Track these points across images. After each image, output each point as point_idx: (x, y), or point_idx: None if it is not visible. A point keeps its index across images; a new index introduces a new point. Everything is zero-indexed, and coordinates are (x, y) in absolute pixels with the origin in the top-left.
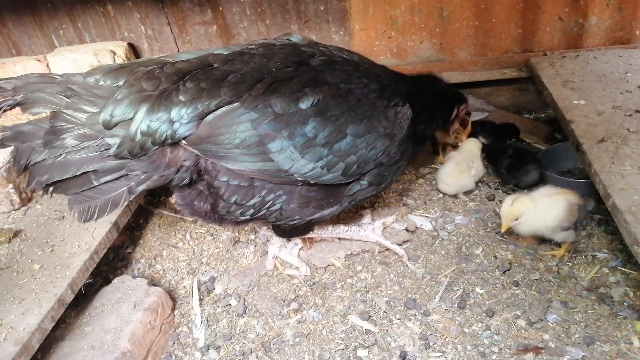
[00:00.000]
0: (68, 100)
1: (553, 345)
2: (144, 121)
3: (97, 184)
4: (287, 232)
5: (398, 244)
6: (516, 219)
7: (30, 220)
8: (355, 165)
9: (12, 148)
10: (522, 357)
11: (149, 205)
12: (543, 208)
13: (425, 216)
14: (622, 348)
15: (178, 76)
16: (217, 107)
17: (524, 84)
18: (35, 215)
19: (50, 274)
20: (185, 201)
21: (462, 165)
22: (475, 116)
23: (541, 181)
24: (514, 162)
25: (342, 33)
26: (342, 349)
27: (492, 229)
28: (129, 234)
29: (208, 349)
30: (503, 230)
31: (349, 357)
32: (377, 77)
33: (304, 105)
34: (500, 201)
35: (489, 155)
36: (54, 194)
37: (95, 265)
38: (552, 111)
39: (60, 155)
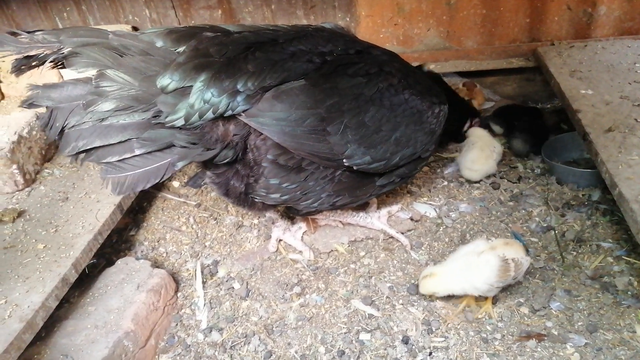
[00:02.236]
0: (120, 58)
1: (556, 333)
2: (208, 89)
3: (138, 153)
4: (303, 213)
5: (402, 233)
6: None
7: (34, 201)
8: (398, 157)
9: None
10: (525, 343)
11: (152, 188)
12: (470, 271)
13: (430, 204)
14: (624, 336)
15: (245, 45)
16: (283, 82)
17: (530, 74)
18: (39, 196)
19: (54, 253)
20: (220, 179)
21: (486, 150)
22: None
23: (528, 154)
24: (520, 126)
25: (347, 19)
26: (345, 333)
27: (497, 217)
28: (132, 217)
29: (211, 331)
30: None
31: (352, 340)
32: (423, 76)
33: (368, 91)
34: (505, 190)
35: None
36: (84, 162)
37: (99, 246)
38: (558, 102)
39: (104, 119)
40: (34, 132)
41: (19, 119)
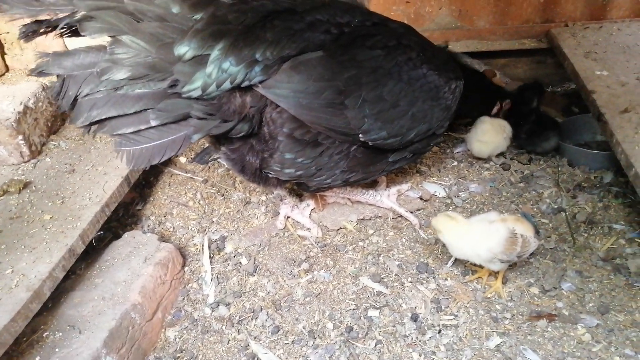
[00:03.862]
0: (137, 24)
1: (567, 313)
2: (226, 57)
3: (154, 125)
4: (313, 189)
5: (411, 212)
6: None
7: (40, 172)
8: (414, 133)
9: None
10: (535, 323)
11: (159, 162)
12: (476, 236)
13: (439, 183)
14: (636, 318)
15: (263, 13)
16: (301, 53)
17: (542, 56)
18: (45, 168)
19: (61, 224)
20: (235, 155)
21: (496, 126)
22: None
23: (558, 150)
24: (534, 127)
25: None
26: (353, 309)
27: (507, 198)
28: (138, 191)
29: (218, 306)
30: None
31: (360, 317)
32: (439, 50)
33: (387, 64)
34: (516, 171)
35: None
36: (97, 133)
37: (106, 218)
38: (569, 85)
39: (118, 88)
40: (40, 104)
41: (24, 89)
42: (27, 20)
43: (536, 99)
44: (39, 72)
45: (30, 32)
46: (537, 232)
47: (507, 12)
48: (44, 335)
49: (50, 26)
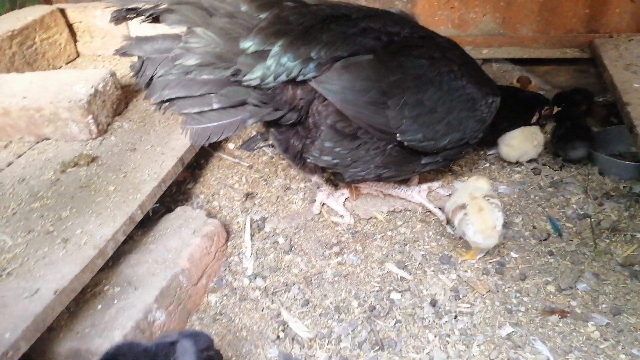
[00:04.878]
0: (210, 18)
1: (579, 311)
2: (285, 53)
3: (215, 108)
4: (347, 180)
5: (439, 208)
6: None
7: (105, 149)
8: (447, 140)
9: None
10: (548, 318)
11: (210, 147)
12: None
13: None
14: None
15: (322, 17)
16: (352, 55)
17: (584, 66)
18: (110, 145)
19: (123, 195)
20: (282, 137)
21: (526, 132)
22: None
23: (589, 159)
24: (565, 133)
25: (404, 0)
26: (377, 291)
27: (534, 201)
28: (190, 172)
29: (255, 278)
30: None
31: (383, 298)
32: (480, 67)
33: (430, 74)
34: (546, 176)
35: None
36: (167, 110)
37: (161, 193)
38: (610, 95)
39: (188, 72)
40: (108, 88)
41: (95, 74)
42: (118, 8)
43: (585, 104)
44: (123, 52)
45: (121, 17)
46: (560, 235)
47: (550, 22)
48: (105, 288)
49: (137, 14)
